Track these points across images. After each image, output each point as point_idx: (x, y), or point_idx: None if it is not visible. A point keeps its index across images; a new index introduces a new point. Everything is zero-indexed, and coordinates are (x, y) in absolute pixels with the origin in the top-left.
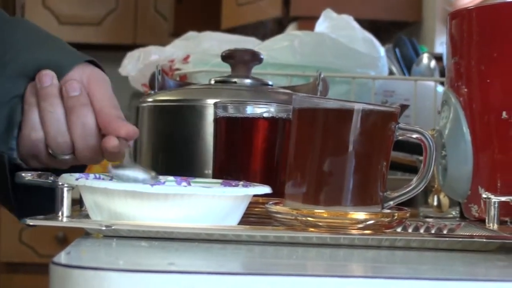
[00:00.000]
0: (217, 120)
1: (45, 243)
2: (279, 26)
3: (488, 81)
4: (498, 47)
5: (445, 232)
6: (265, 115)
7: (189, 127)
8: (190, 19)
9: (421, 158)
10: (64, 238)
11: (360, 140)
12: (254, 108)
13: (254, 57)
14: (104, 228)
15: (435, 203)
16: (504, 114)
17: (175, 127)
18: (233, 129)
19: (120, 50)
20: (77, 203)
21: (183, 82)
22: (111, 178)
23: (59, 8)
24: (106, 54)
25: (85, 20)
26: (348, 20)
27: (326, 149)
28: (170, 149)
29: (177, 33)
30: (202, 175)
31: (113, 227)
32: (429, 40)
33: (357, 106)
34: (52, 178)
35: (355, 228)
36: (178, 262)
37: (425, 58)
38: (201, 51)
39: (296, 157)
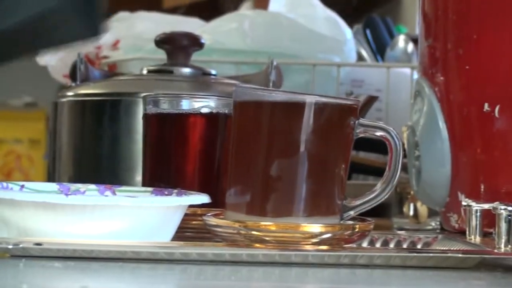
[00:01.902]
0: (146, 117)
1: None
2: (233, 5)
3: (467, 67)
4: (478, 27)
5: (418, 246)
6: (203, 110)
7: (117, 126)
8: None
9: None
10: None
11: (313, 139)
12: (191, 102)
13: (194, 42)
14: (10, 246)
15: (411, 212)
16: (486, 106)
17: (100, 126)
18: (165, 128)
19: None
20: None
21: (112, 72)
22: (22, 187)
23: None
24: None
25: None
26: None
27: (273, 150)
28: (94, 152)
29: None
30: (132, 182)
31: (21, 245)
32: (409, 20)
33: (309, 99)
34: None
35: (309, 243)
36: (94, 285)
37: (400, 40)
38: (133, 35)
39: (238, 160)
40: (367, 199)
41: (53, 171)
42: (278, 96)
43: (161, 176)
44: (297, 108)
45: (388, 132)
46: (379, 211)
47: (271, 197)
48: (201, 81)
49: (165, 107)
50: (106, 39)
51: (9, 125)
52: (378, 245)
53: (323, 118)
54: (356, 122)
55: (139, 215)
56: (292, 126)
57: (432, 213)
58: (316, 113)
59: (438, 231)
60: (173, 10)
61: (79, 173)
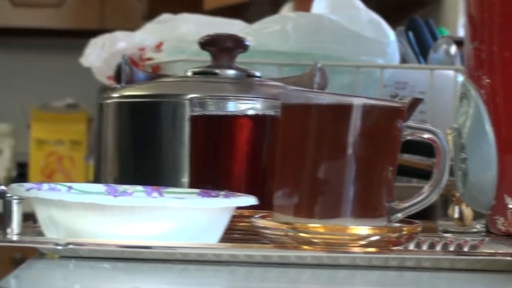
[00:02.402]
0: (193, 119)
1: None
2: (272, 7)
3: None
4: None
5: (465, 249)
6: (249, 112)
7: (162, 128)
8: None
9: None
10: (22, 260)
11: (361, 142)
12: (237, 104)
13: (239, 44)
14: (60, 247)
15: (456, 215)
16: None
17: (145, 127)
18: (212, 129)
19: (84, 36)
20: (30, 218)
21: (156, 74)
22: (69, 189)
23: None
24: (69, 41)
25: (43, 1)
26: (354, 0)
27: (321, 152)
28: (140, 154)
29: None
30: (177, 184)
31: (70, 246)
32: (450, 22)
33: (357, 101)
34: (0, 188)
35: (357, 245)
36: (144, 286)
37: (444, 43)
38: (176, 37)
39: (286, 163)
40: (415, 201)
41: (98, 172)
42: (325, 98)
43: (208, 178)
44: (344, 110)
45: (436, 135)
46: (423, 213)
47: (319, 199)
48: (246, 83)
49: (211, 109)
50: (149, 41)
51: (51, 126)
52: (424, 247)
53: (370, 121)
54: (404, 124)
55: (187, 217)
56: (339, 128)
57: (477, 216)
58: (364, 116)
59: (483, 234)
60: (213, 12)
61: (124, 174)
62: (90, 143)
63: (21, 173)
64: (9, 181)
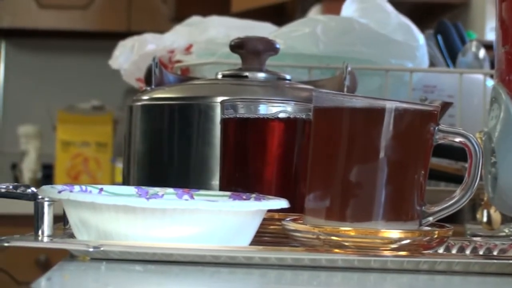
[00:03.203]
0: (224, 122)
1: (24, 267)
2: (300, 10)
3: None
4: None
5: (495, 253)
6: (281, 115)
7: (192, 130)
8: (194, 1)
9: (467, 165)
10: (47, 261)
11: (393, 145)
12: (268, 107)
13: (269, 47)
14: (91, 249)
15: (485, 219)
16: None
17: (175, 129)
18: (243, 132)
19: (111, 38)
20: (60, 220)
21: (185, 76)
22: (100, 191)
23: None
24: (96, 43)
25: (69, 2)
26: (380, 2)
27: (353, 155)
28: (170, 156)
29: (178, 18)
30: (208, 186)
31: (102, 248)
32: (477, 25)
33: (389, 105)
34: (30, 190)
35: (388, 248)
36: None
37: (472, 46)
38: (206, 39)
39: (318, 166)
40: (446, 205)
41: (127, 175)
42: (358, 102)
43: (239, 181)
44: (377, 113)
45: (468, 139)
46: (451, 217)
47: (351, 203)
48: (276, 86)
49: (242, 112)
50: (179, 43)
51: (77, 128)
52: (454, 251)
53: (403, 124)
54: (436, 128)
55: (218, 219)
56: (372, 131)
57: (505, 220)
58: (396, 119)
59: (511, 237)
60: (241, 14)
61: (154, 176)
62: (115, 145)
63: (46, 175)
64: (35, 182)
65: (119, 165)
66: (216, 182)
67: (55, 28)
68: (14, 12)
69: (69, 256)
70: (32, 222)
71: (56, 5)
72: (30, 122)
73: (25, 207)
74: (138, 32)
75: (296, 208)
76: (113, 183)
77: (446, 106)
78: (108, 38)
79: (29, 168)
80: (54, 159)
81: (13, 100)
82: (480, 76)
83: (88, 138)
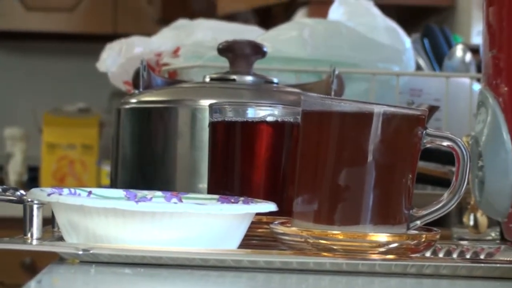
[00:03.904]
0: (212, 125)
1: (9, 270)
2: (285, 12)
3: None
4: None
5: (482, 257)
6: (268, 118)
7: (180, 133)
8: (180, 3)
9: (455, 169)
10: (32, 264)
11: (381, 149)
12: (256, 111)
13: (257, 50)
14: (81, 252)
15: (471, 222)
16: None
17: (163, 133)
18: (231, 135)
19: (97, 40)
20: (49, 222)
21: (173, 79)
22: (89, 193)
23: None
24: (81, 45)
25: (55, 5)
26: (367, 5)
27: (341, 159)
28: (158, 159)
29: (165, 20)
30: (195, 189)
31: (91, 251)
32: (463, 29)
33: (377, 109)
34: (19, 193)
35: (376, 252)
36: None
37: (458, 50)
38: (193, 42)
39: (306, 169)
40: (434, 209)
41: (115, 177)
42: (346, 106)
43: (227, 184)
44: (365, 118)
45: (456, 142)
46: (438, 221)
47: (339, 206)
48: (264, 90)
49: (230, 115)
50: (166, 46)
51: (63, 130)
52: (441, 255)
53: (391, 128)
54: (424, 132)
55: (207, 223)
56: (360, 135)
57: (491, 223)
58: (384, 123)
59: (498, 241)
60: (227, 17)
61: (141, 179)
62: (101, 148)
63: (32, 177)
64: (20, 185)
65: (105, 168)
66: (203, 185)
67: (41, 31)
68: (0, 14)
69: (58, 259)
70: (19, 225)
71: (42, 7)
72: (16, 124)
73: (11, 210)
74: (124, 35)
75: (284, 211)
76: (99, 185)
77: (432, 110)
78: (94, 41)
79: (14, 170)
80: (40, 161)
81: None
82: (466, 80)
83: (74, 141)
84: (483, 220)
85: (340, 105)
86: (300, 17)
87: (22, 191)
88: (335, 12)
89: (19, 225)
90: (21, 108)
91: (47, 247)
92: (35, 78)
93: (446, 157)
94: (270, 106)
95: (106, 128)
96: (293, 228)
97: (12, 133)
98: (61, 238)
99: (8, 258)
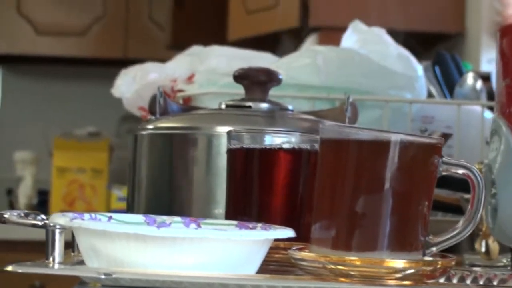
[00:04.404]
0: (230, 152)
1: None
2: (295, 38)
3: None
4: None
5: (495, 283)
6: (285, 146)
7: (197, 159)
8: (190, 28)
9: (466, 196)
10: (42, 287)
11: (398, 177)
12: (273, 138)
13: (272, 77)
14: (103, 276)
15: (483, 249)
16: None
17: (180, 159)
18: (248, 162)
19: (108, 64)
20: (68, 246)
21: (188, 106)
22: (110, 218)
23: (36, 16)
24: (92, 69)
25: (67, 29)
26: (379, 33)
27: (359, 186)
28: (175, 184)
29: (175, 45)
30: (211, 215)
31: (113, 276)
32: (473, 56)
33: (394, 137)
34: (41, 217)
35: (393, 278)
36: None
37: (469, 78)
38: (207, 69)
39: (324, 196)
40: (449, 236)
41: (132, 202)
42: (364, 134)
43: (245, 210)
44: (382, 146)
45: (471, 171)
46: (450, 247)
47: (356, 233)
48: (279, 117)
49: (248, 142)
50: (180, 72)
51: (73, 154)
52: (455, 281)
53: (408, 156)
54: (440, 160)
55: (227, 248)
56: (377, 163)
57: (502, 250)
58: (402, 151)
59: (510, 267)
60: (237, 42)
61: (158, 204)
62: (111, 172)
63: (42, 201)
64: (30, 208)
65: (115, 192)
66: (219, 211)
67: (52, 55)
68: (11, 38)
69: (79, 283)
70: (33, 248)
71: (53, 32)
72: (26, 148)
73: (23, 233)
74: (134, 59)
75: (301, 237)
76: (108, 210)
77: (446, 137)
78: (105, 65)
79: (24, 194)
80: (50, 185)
81: (9, 126)
82: (477, 108)
83: (84, 165)
84: (494, 246)
85: (358, 133)
86: (310, 44)
87: (43, 216)
88: (348, 40)
89: (32, 248)
90: (31, 132)
91: (70, 271)
92: (45, 102)
93: (458, 184)
94: (286, 133)
95: (116, 152)
96: (311, 254)
97: (23, 156)
98: (81, 262)
99: (17, 281)
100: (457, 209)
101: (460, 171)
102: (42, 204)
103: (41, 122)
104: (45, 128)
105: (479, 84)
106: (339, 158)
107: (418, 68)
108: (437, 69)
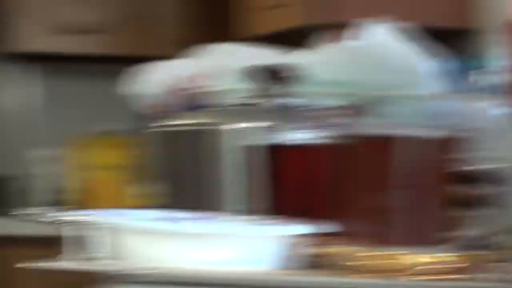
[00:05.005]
0: (249, 149)
1: None
2: (302, 36)
3: None
4: None
5: None
6: (302, 142)
7: (210, 155)
8: (196, 26)
9: (488, 191)
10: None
11: (414, 173)
12: (287, 134)
13: (283, 74)
14: (134, 272)
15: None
16: None
17: (193, 154)
18: (269, 159)
19: (117, 61)
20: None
21: (199, 103)
22: (132, 215)
23: (47, 15)
24: (101, 66)
25: (80, 27)
26: (393, 30)
27: (375, 183)
28: (188, 179)
29: (181, 41)
30: (224, 210)
31: (144, 272)
32: (481, 52)
33: (411, 133)
34: (60, 214)
35: (410, 273)
36: None
37: (479, 74)
38: (218, 66)
39: (340, 193)
40: (469, 231)
41: (155, 198)
42: (376, 130)
43: (265, 206)
44: (400, 142)
45: (489, 166)
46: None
47: (375, 229)
48: (292, 113)
49: (264, 139)
50: (193, 70)
51: (89, 152)
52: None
53: (424, 152)
54: (456, 156)
55: (251, 243)
56: (392, 159)
57: None
58: (418, 147)
59: None
60: (243, 40)
61: (173, 200)
62: (127, 169)
63: (58, 199)
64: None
65: (132, 189)
66: (233, 206)
67: (63, 53)
68: (29, 36)
69: (107, 279)
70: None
71: (66, 30)
72: (43, 146)
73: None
74: (142, 56)
75: (324, 233)
76: (125, 206)
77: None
78: (113, 62)
79: (40, 191)
80: (66, 182)
81: (26, 124)
82: (488, 104)
83: (100, 162)
84: None
85: (370, 130)
86: (316, 42)
87: (65, 213)
88: (363, 37)
89: (47, 244)
90: (47, 130)
91: (99, 267)
92: (62, 100)
93: (477, 179)
94: (299, 130)
95: (132, 149)
96: (331, 249)
97: (39, 154)
98: (102, 258)
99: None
100: (477, 205)
101: (479, 166)
102: (59, 202)
103: (57, 121)
104: (61, 126)
105: (489, 80)
106: (353, 155)
107: (430, 65)
108: (447, 65)
